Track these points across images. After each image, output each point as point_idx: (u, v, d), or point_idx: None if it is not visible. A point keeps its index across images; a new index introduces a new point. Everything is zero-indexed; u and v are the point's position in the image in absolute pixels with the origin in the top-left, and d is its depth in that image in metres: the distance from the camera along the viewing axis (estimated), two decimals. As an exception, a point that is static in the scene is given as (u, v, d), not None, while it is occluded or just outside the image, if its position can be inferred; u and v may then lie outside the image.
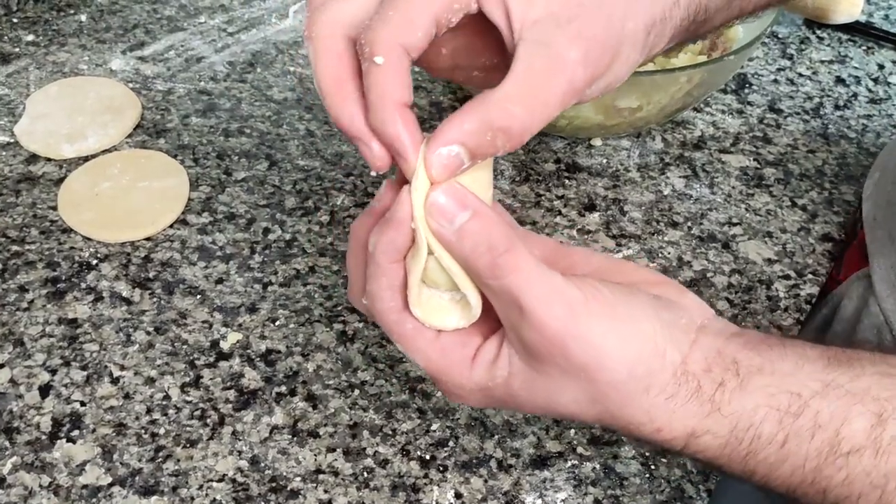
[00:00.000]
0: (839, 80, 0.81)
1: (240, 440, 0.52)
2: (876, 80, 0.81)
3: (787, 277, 0.63)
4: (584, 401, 0.38)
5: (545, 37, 0.36)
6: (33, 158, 0.67)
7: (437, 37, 0.36)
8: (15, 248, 0.61)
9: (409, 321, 0.39)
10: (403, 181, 0.37)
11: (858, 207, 0.66)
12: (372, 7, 0.37)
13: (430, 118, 0.72)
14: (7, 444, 0.51)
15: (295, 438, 0.52)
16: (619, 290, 0.38)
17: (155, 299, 0.58)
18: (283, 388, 0.54)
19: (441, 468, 0.51)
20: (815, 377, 0.37)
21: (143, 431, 0.52)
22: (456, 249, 0.36)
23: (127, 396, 0.53)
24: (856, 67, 0.82)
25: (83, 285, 0.59)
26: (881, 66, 0.83)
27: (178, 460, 0.51)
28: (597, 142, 0.71)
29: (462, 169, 0.36)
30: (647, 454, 0.52)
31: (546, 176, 0.69)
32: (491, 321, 0.39)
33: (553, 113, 0.36)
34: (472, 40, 0.41)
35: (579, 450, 0.52)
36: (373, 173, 0.38)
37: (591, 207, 0.67)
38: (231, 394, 0.54)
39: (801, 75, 0.81)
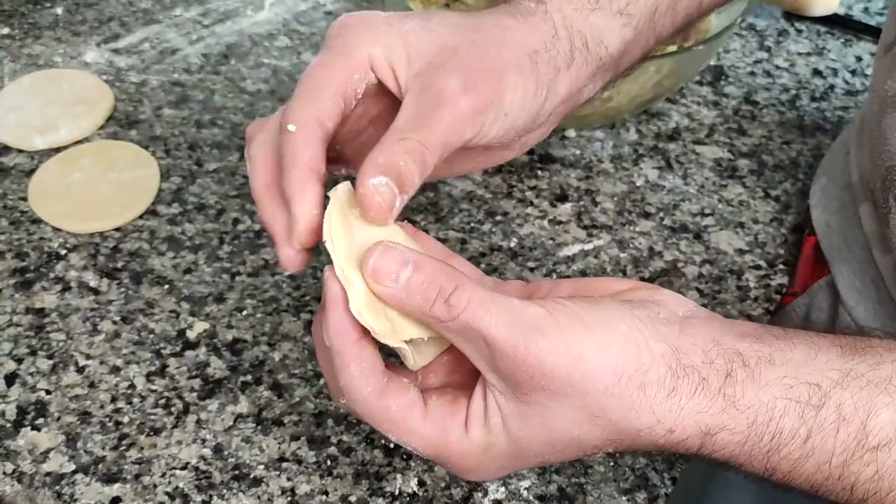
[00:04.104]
0: (816, 73, 0.81)
1: (204, 428, 0.52)
2: (853, 73, 0.81)
3: (757, 268, 0.63)
4: (584, 421, 0.36)
5: (426, 81, 0.40)
6: (5, 150, 0.67)
7: (350, 110, 0.41)
8: (-16, 238, 0.61)
9: (392, 403, 0.37)
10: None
11: (805, 213, 0.65)
12: None
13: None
14: (-30, 432, 0.51)
15: (259, 427, 0.52)
16: (584, 301, 0.37)
17: (122, 289, 0.58)
18: (249, 377, 0.54)
19: (405, 456, 0.51)
20: (832, 366, 0.35)
21: (107, 420, 0.52)
22: (408, 305, 0.36)
23: (92, 385, 0.53)
24: (833, 60, 0.82)
25: (51, 275, 0.59)
26: (859, 59, 0.83)
27: (142, 448, 0.51)
28: (570, 133, 0.71)
29: (396, 205, 0.37)
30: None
31: (518, 167, 0.69)
32: (470, 381, 0.38)
33: (448, 139, 0.39)
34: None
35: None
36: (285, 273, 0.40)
37: (562, 198, 0.67)
38: (196, 383, 0.54)
39: (778, 67, 0.81)
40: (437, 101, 0.39)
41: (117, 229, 0.62)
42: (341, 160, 0.45)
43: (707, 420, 0.35)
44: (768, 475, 0.36)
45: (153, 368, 0.54)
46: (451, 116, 0.38)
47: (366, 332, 0.37)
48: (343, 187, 0.39)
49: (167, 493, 0.49)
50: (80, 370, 0.54)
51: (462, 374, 0.40)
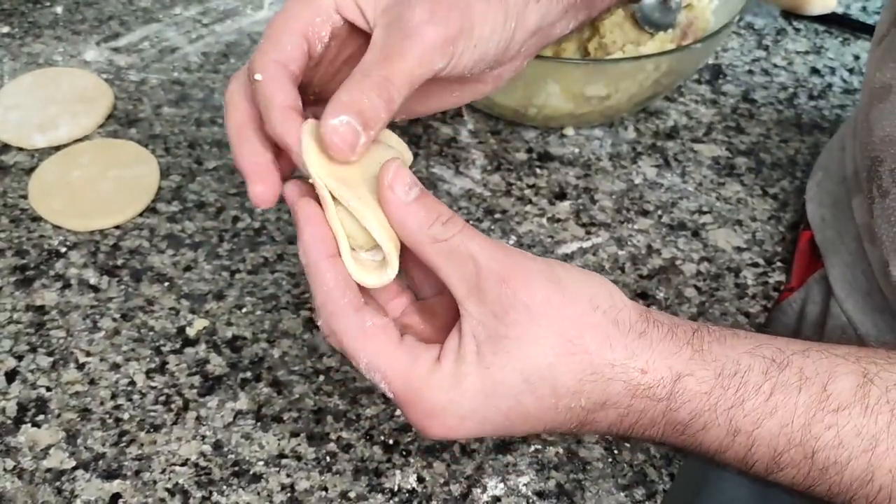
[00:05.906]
0: (814, 71, 0.81)
1: (203, 425, 0.52)
2: (851, 71, 0.81)
3: (755, 265, 0.64)
4: (560, 348, 0.36)
5: (393, 16, 0.40)
6: (5, 148, 0.67)
7: (316, 52, 0.42)
8: (-15, 236, 0.61)
9: (368, 319, 0.38)
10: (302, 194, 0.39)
11: (801, 209, 0.66)
12: None
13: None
14: (-29, 428, 0.51)
15: (259, 423, 0.52)
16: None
17: (122, 286, 0.59)
18: (249, 374, 0.54)
19: (404, 453, 0.51)
20: (793, 343, 0.38)
21: (107, 416, 0.52)
22: (411, 220, 0.37)
23: (92, 382, 0.53)
24: (831, 58, 0.83)
25: (51, 273, 0.59)
26: (857, 57, 0.83)
27: (142, 445, 0.51)
28: (569, 131, 0.72)
29: (360, 143, 0.37)
30: (610, 439, 0.53)
31: (517, 165, 0.69)
32: (445, 330, 0.39)
33: (415, 70, 0.38)
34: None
35: (543, 435, 0.52)
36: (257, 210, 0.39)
37: (561, 196, 0.67)
38: (196, 379, 0.54)
39: (776, 66, 0.81)
40: (404, 33, 0.39)
41: (117, 227, 0.62)
42: (321, 102, 0.45)
43: (678, 366, 0.37)
44: (730, 440, 0.37)
45: (153, 365, 0.54)
46: (418, 48, 0.38)
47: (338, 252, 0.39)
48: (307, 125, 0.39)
49: (167, 490, 0.49)
50: (81, 367, 0.54)
51: (439, 326, 0.41)
